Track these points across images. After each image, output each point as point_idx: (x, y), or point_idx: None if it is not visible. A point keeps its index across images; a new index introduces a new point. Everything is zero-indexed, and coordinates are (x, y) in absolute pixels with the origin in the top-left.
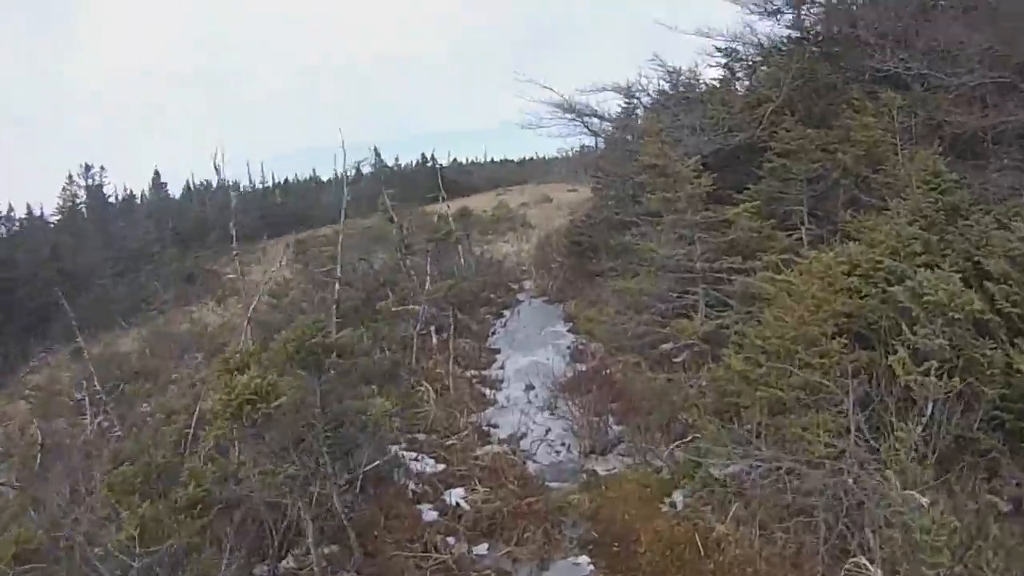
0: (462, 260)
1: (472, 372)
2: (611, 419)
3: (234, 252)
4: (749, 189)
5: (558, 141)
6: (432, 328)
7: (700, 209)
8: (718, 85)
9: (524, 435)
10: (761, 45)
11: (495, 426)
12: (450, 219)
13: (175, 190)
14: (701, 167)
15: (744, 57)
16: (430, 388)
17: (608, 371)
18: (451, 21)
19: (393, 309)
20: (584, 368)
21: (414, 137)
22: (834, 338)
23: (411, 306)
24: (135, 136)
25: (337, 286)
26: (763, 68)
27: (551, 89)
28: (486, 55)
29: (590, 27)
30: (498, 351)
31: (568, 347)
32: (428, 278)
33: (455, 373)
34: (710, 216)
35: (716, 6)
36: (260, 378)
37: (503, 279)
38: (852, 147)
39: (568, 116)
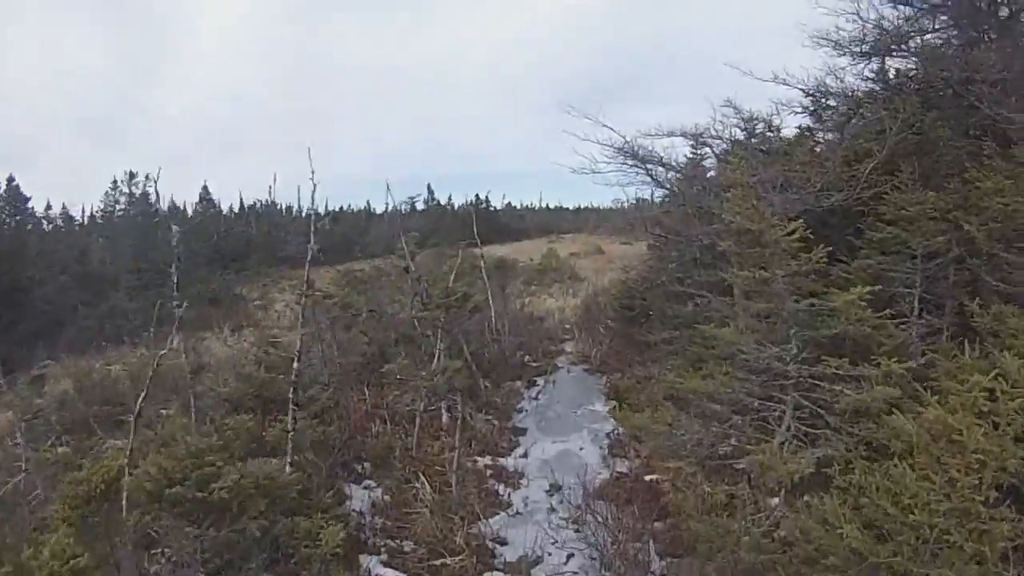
0: (492, 320)
1: (487, 460)
2: (652, 546)
3: (174, 288)
4: (845, 263)
5: (614, 190)
6: (443, 404)
7: (805, 295)
8: (803, 135)
9: (538, 560)
10: (848, 93)
11: (503, 542)
12: (483, 270)
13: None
14: (809, 235)
15: (834, 105)
16: (427, 484)
17: (653, 477)
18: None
19: (398, 377)
20: (624, 469)
21: (478, 175)
22: (993, 505)
23: (420, 375)
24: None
25: (296, 363)
26: (857, 117)
27: (610, 128)
28: (556, 98)
29: (658, 74)
30: (523, 432)
31: (608, 435)
32: (437, 352)
33: (463, 465)
34: (815, 304)
35: (792, 49)
36: (69, 556)
37: (542, 339)
38: (976, 216)
39: (629, 162)
